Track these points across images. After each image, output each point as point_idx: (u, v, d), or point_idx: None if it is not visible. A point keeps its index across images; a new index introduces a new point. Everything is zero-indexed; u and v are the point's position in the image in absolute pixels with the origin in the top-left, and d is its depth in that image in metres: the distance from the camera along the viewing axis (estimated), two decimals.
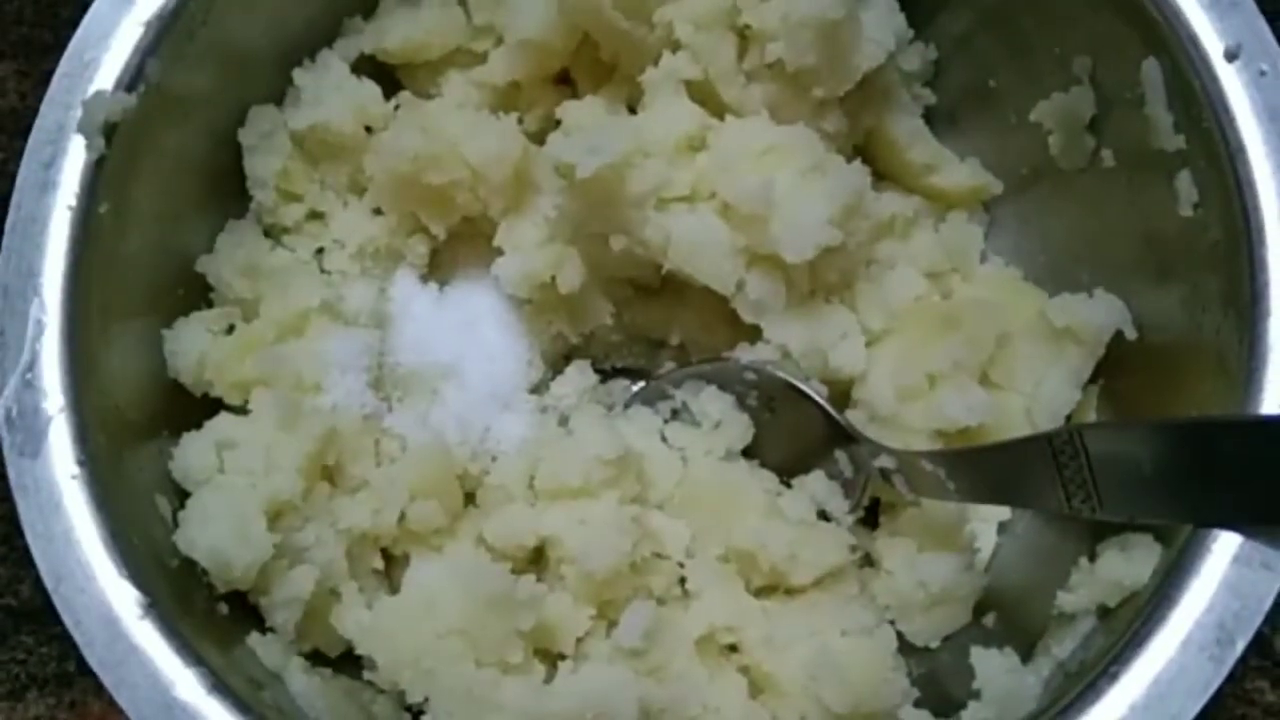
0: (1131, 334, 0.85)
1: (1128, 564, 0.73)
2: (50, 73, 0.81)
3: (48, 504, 0.72)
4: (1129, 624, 0.69)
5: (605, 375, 0.97)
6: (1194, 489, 0.68)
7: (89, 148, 0.78)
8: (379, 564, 0.85)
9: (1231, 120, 0.76)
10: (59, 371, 0.75)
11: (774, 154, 0.86)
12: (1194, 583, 0.68)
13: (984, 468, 0.79)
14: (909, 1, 0.93)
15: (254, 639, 0.77)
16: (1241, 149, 0.75)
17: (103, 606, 0.70)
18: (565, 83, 0.96)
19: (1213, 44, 0.77)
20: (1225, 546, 0.68)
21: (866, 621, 0.82)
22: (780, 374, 0.88)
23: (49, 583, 0.71)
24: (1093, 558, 0.77)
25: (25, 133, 0.80)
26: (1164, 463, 0.68)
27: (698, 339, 0.94)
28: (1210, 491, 0.67)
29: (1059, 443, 0.71)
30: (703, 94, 0.89)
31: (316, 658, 0.82)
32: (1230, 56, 0.77)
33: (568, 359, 0.96)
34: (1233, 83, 0.77)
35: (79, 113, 0.78)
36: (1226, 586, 0.68)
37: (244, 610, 0.79)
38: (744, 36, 0.89)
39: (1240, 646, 0.66)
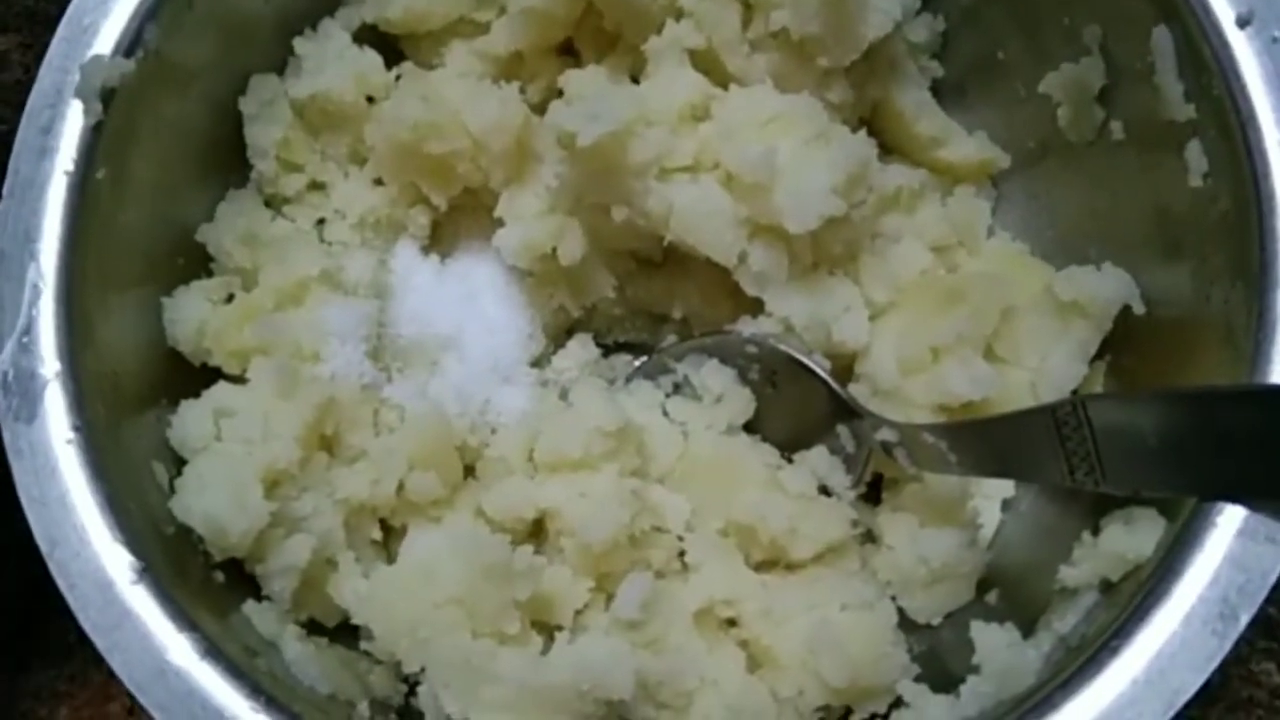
0: (1139, 308, 0.84)
1: (1131, 537, 0.72)
2: None
3: (43, 468, 0.72)
4: (1131, 598, 0.68)
5: (607, 349, 0.96)
6: (1199, 461, 0.67)
7: (87, 113, 0.78)
8: (377, 534, 0.84)
9: (1243, 88, 0.75)
10: (55, 336, 0.74)
11: (778, 123, 0.85)
12: (1198, 556, 0.67)
13: (987, 440, 0.78)
14: None
15: (249, 607, 0.77)
16: (1252, 117, 0.74)
17: (98, 571, 0.70)
18: (569, 53, 0.95)
19: (1224, 11, 0.76)
20: (1230, 520, 0.67)
21: (867, 596, 0.81)
22: (782, 347, 0.87)
23: (44, 547, 0.70)
24: (1096, 532, 0.76)
25: None
26: (1169, 434, 0.66)
27: (700, 312, 0.93)
28: (1216, 464, 0.66)
29: (1062, 414, 0.70)
30: (706, 63, 0.88)
31: (313, 627, 0.81)
32: (1242, 23, 0.75)
33: (569, 333, 0.95)
34: (1244, 50, 0.75)
35: (77, 77, 0.78)
36: (1231, 560, 0.66)
37: (240, 578, 0.79)
38: (748, 5, 0.88)
39: (1244, 621, 0.65)
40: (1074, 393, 0.87)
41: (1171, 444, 0.67)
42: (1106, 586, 0.73)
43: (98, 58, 0.78)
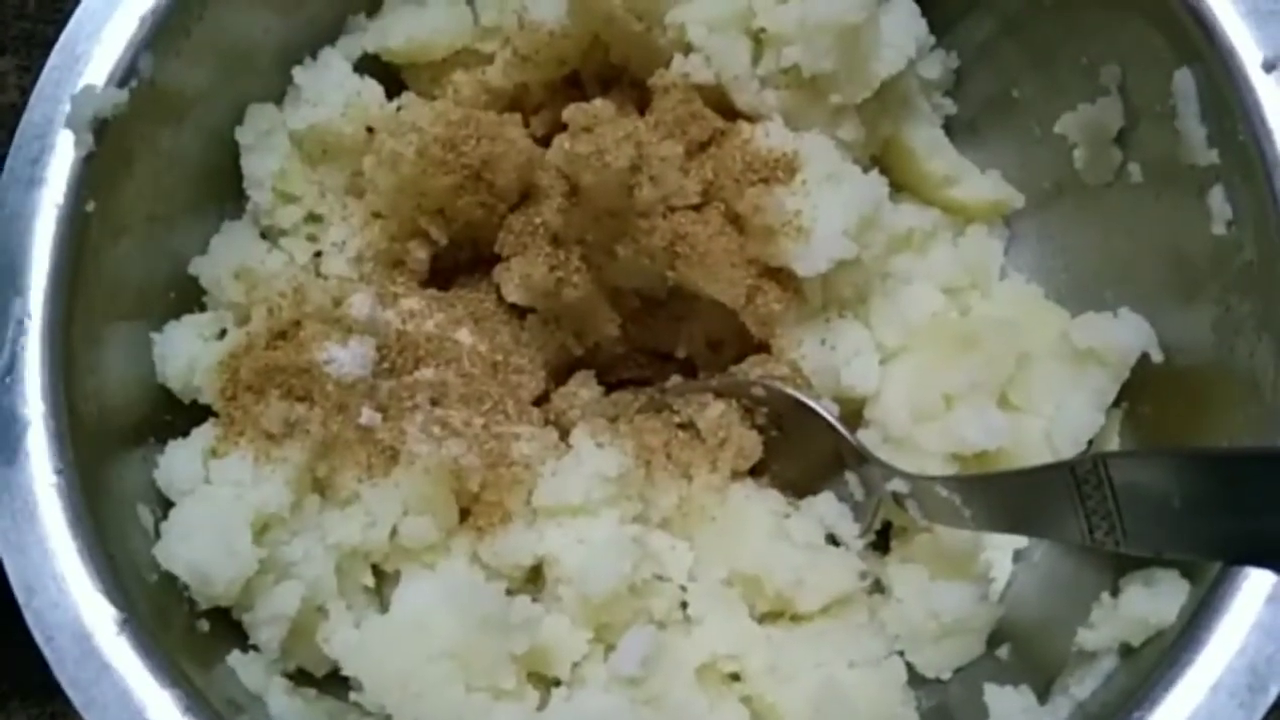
0: (1158, 356, 0.82)
1: (1153, 601, 0.69)
2: None
3: (22, 512, 0.70)
4: (1154, 665, 0.66)
5: (610, 388, 0.94)
6: (1225, 524, 0.64)
7: (77, 144, 0.76)
8: (369, 580, 0.82)
9: (1269, 134, 0.73)
10: (40, 374, 0.72)
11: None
12: (1224, 623, 0.64)
13: (1002, 495, 0.75)
14: (930, 7, 0.90)
15: (235, 658, 0.75)
16: (1279, 164, 0.72)
17: (76, 622, 0.68)
18: (574, 85, 0.93)
19: (1250, 54, 0.74)
20: (1257, 585, 0.65)
21: (875, 651, 0.78)
22: (790, 391, 0.85)
23: (20, 596, 0.68)
24: (1115, 592, 0.74)
25: None
26: (1193, 495, 0.64)
27: (705, 353, 0.91)
28: (1243, 527, 0.64)
29: (1082, 471, 0.67)
30: (715, 99, 0.86)
31: (301, 677, 0.79)
32: (1269, 67, 0.74)
33: (571, 370, 0.93)
34: (1270, 95, 0.73)
35: (68, 107, 0.76)
36: (1259, 628, 0.64)
37: (226, 627, 0.76)
38: (759, 40, 0.87)
39: (1273, 692, 0.63)
40: (1090, 443, 0.85)
41: (1196, 505, 0.64)
42: (1127, 651, 0.71)
43: (89, 88, 0.77)
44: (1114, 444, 0.85)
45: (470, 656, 0.74)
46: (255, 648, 0.76)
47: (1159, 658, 0.66)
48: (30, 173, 0.76)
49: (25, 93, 1.14)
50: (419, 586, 0.78)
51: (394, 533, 0.80)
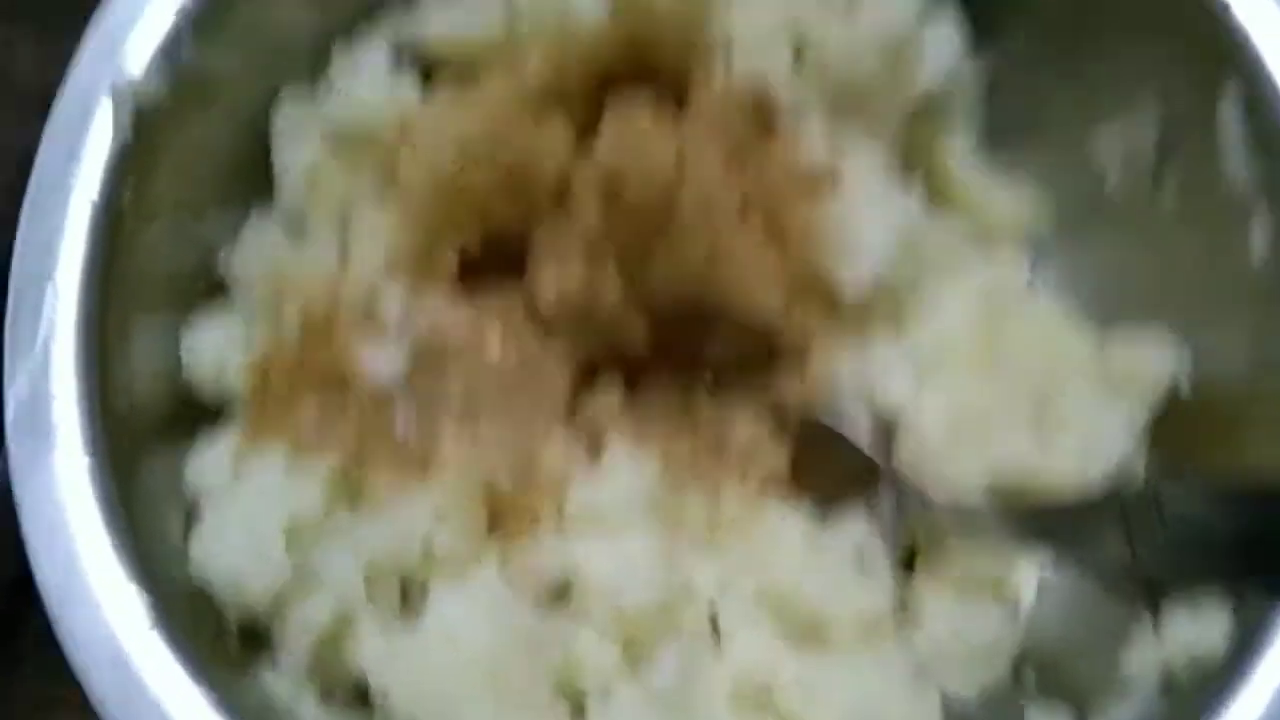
0: (1189, 380, 0.82)
1: (1195, 626, 0.69)
2: (72, 44, 0.77)
3: (52, 509, 0.68)
4: (1196, 694, 0.66)
5: (637, 396, 0.93)
6: (1272, 558, 0.64)
7: (114, 133, 0.75)
8: (398, 590, 0.80)
9: None
10: (71, 367, 0.71)
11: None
12: (1271, 652, 0.64)
13: (1039, 517, 0.75)
14: (966, 22, 0.89)
15: (263, 667, 0.74)
16: None
17: (105, 631, 0.66)
18: (611, 89, 0.92)
19: None
20: None
21: (907, 672, 0.78)
22: (820, 406, 0.84)
23: (50, 599, 0.67)
24: (1157, 618, 0.73)
25: (44, 109, 0.76)
26: (1243, 529, 0.64)
27: (735, 365, 0.90)
28: None
29: (1128, 497, 0.67)
30: (756, 108, 0.86)
31: (327, 689, 0.77)
32: None
33: (599, 377, 0.92)
34: None
35: (103, 96, 0.75)
36: None
37: (254, 637, 0.75)
38: (800, 50, 0.86)
39: None
40: (1119, 465, 0.85)
41: (1245, 539, 0.64)
42: (1168, 679, 0.70)
43: (125, 75, 0.75)
44: (1143, 466, 0.85)
45: (500, 668, 0.73)
46: (284, 656, 0.75)
47: (1201, 687, 0.66)
48: (64, 162, 0.74)
49: (40, 64, 1.12)
50: (450, 598, 0.77)
51: (423, 541, 0.79)
